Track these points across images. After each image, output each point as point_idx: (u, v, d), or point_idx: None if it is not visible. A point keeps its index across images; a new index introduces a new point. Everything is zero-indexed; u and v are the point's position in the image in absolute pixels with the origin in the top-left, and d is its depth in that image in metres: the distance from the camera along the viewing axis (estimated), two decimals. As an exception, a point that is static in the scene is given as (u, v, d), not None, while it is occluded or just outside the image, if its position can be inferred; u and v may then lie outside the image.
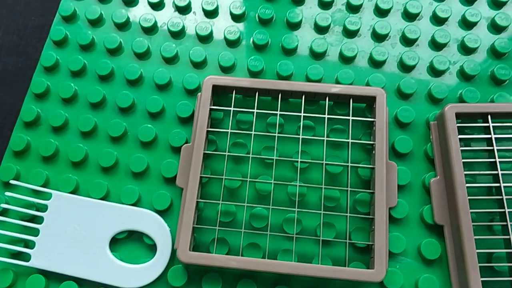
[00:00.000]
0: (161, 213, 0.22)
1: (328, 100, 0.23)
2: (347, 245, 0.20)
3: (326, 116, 0.22)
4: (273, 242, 0.21)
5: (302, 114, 0.22)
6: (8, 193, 0.22)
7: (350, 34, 0.25)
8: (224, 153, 0.22)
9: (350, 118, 0.22)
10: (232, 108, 0.22)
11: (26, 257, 0.21)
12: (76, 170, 0.23)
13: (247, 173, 0.22)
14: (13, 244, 0.21)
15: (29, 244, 0.22)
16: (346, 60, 0.25)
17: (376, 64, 0.24)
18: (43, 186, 0.23)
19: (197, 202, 0.21)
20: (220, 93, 0.23)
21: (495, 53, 0.25)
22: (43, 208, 0.22)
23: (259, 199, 0.22)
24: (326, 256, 0.21)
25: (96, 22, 0.26)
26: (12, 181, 0.22)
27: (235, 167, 0.23)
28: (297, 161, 0.22)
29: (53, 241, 0.21)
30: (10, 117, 0.24)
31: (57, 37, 0.25)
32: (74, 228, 0.22)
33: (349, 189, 0.21)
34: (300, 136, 0.22)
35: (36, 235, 0.21)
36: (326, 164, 0.22)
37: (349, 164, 0.21)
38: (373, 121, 0.22)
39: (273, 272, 0.19)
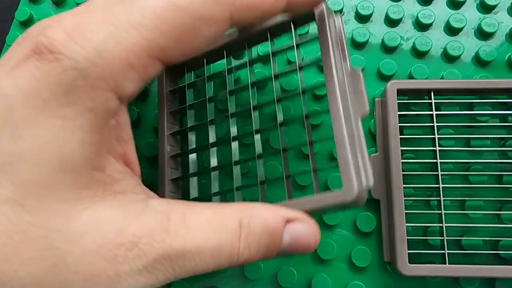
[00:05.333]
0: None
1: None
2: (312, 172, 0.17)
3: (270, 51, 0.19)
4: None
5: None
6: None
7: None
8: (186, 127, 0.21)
9: (294, 43, 0.19)
10: (185, 83, 0.22)
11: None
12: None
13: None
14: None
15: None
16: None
17: (326, 41, 0.25)
18: None
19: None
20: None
21: (450, 29, 0.24)
22: None
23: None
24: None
25: (60, 3, 0.27)
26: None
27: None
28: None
29: None
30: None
31: (23, 18, 0.26)
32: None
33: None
34: (249, 84, 0.20)
35: None
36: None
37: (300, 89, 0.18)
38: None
39: None
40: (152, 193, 0.15)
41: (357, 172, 0.16)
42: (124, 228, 0.13)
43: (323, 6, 0.18)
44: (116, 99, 0.14)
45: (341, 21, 0.19)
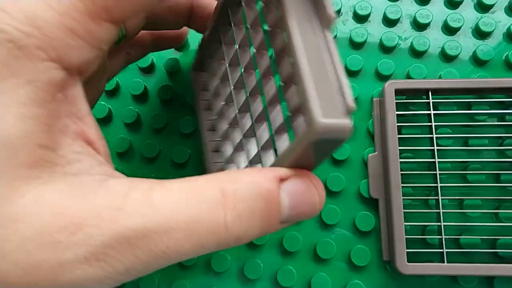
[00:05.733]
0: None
1: None
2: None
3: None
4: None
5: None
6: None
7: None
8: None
9: None
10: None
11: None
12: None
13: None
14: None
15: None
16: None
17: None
18: None
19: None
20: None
21: (448, 28, 0.24)
22: None
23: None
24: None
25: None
26: None
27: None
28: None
29: None
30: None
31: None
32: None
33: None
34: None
35: None
36: None
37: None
38: None
39: None
40: (118, 174, 0.13)
41: (323, 95, 0.11)
42: (67, 210, 0.11)
43: None
44: (61, 70, 0.12)
45: None
